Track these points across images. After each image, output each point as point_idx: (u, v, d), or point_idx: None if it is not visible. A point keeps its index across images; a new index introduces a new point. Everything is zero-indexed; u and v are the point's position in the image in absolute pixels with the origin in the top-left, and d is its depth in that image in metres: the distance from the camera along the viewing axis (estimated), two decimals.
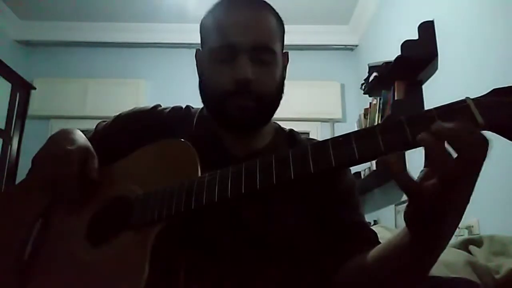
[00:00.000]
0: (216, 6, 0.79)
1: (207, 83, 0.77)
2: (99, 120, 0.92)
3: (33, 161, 0.78)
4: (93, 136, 0.84)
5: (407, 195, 0.48)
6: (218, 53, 0.73)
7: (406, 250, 0.56)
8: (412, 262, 0.57)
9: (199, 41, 0.85)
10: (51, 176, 0.71)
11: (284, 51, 0.81)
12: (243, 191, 0.57)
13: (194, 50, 0.84)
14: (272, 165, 0.56)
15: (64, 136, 0.77)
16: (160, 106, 0.88)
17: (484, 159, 0.44)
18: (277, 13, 0.79)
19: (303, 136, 0.88)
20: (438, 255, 0.56)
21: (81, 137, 0.78)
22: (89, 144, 0.77)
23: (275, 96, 0.77)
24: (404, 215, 0.52)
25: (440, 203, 0.47)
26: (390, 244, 0.62)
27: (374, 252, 0.66)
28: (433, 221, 0.49)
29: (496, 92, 0.48)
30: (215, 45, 0.74)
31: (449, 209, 0.48)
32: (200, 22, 0.82)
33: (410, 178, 0.47)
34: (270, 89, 0.75)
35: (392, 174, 0.47)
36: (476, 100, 0.47)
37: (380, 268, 0.64)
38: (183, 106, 0.88)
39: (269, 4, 0.78)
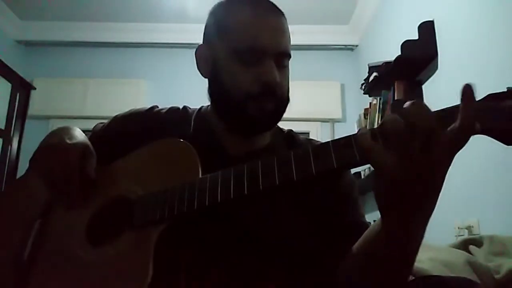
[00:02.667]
0: (236, 6, 0.78)
1: (225, 83, 0.76)
2: (99, 120, 0.92)
3: (32, 158, 0.78)
4: (91, 137, 0.84)
5: (374, 166, 0.49)
6: (243, 54, 0.74)
7: (381, 232, 0.57)
8: (388, 245, 0.57)
9: (199, 41, 0.84)
10: (50, 172, 0.71)
11: None
12: (245, 192, 0.57)
13: (194, 50, 0.84)
14: (275, 166, 0.56)
15: (63, 133, 0.77)
16: (157, 107, 0.88)
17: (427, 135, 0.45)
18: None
19: (302, 136, 0.88)
20: (410, 244, 0.55)
21: (80, 134, 0.78)
22: (88, 141, 0.77)
23: (288, 99, 0.79)
24: (374, 192, 0.53)
25: (401, 176, 0.47)
26: (369, 232, 0.63)
27: (357, 243, 0.67)
28: (397, 199, 0.50)
29: (490, 97, 0.49)
30: (241, 46, 0.74)
31: (414, 191, 0.48)
32: (210, 17, 0.81)
33: (376, 149, 0.48)
34: (287, 93, 0.78)
35: (361, 147, 0.49)
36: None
37: (364, 257, 0.64)
38: (180, 107, 0.88)
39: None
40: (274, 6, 0.79)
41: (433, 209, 0.51)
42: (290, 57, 0.78)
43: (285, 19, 0.79)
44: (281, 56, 0.76)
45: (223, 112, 0.79)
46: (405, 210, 0.51)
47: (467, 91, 0.45)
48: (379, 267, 0.61)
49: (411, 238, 0.55)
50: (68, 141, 0.73)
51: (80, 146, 0.74)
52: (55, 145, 0.74)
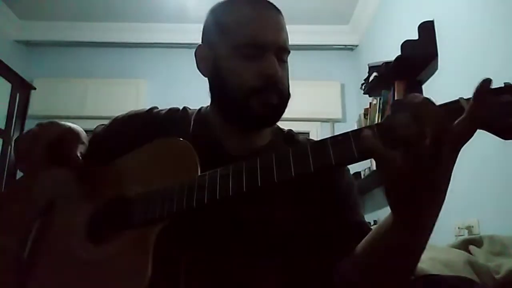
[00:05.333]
0: (236, 4, 0.79)
1: (228, 79, 0.76)
2: (99, 120, 0.93)
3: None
4: (91, 138, 0.84)
5: (377, 165, 0.49)
6: (245, 50, 0.74)
7: (391, 230, 0.57)
8: (395, 241, 0.58)
9: (199, 41, 0.84)
10: (17, 151, 0.76)
11: None
12: (244, 189, 0.57)
13: (194, 50, 0.84)
14: (273, 163, 0.56)
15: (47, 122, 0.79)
16: (157, 108, 0.88)
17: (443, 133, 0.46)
18: None
19: (301, 136, 0.88)
20: (423, 237, 0.56)
21: (68, 124, 0.80)
22: (78, 130, 0.79)
23: (289, 94, 0.80)
24: (384, 192, 0.53)
25: (410, 177, 0.48)
26: (376, 231, 0.63)
27: (362, 243, 0.67)
28: (407, 196, 0.51)
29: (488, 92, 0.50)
30: (241, 42, 0.74)
31: (421, 186, 0.49)
32: (209, 18, 0.82)
33: (381, 151, 0.48)
34: (288, 87, 0.79)
35: (362, 141, 0.49)
36: (469, 100, 0.48)
37: (370, 255, 0.65)
38: (180, 107, 0.88)
39: None
40: (271, 4, 0.80)
41: (442, 203, 0.52)
42: (289, 52, 0.79)
43: (283, 16, 0.81)
44: (281, 51, 0.77)
45: (225, 109, 0.79)
46: (416, 204, 0.52)
47: (485, 85, 0.46)
48: (385, 264, 0.62)
49: (421, 233, 0.56)
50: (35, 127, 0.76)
51: (54, 125, 0.77)
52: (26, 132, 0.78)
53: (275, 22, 0.78)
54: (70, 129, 0.77)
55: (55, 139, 0.74)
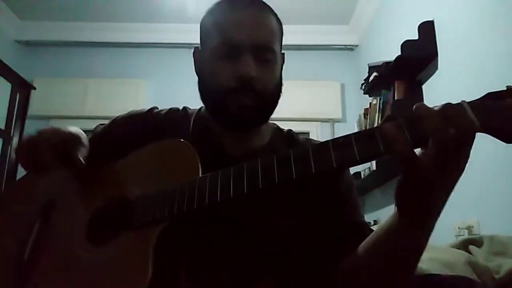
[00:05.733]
0: (217, 5, 0.79)
1: (207, 81, 0.77)
2: (99, 120, 0.93)
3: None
4: (91, 138, 0.84)
5: (403, 163, 0.50)
6: (220, 50, 0.74)
7: (397, 230, 0.58)
8: (402, 241, 0.59)
9: (199, 41, 0.85)
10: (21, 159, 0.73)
11: (281, 52, 0.82)
12: (245, 191, 0.57)
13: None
14: (274, 165, 0.56)
15: (47, 128, 0.78)
16: (157, 108, 0.88)
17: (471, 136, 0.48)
18: (276, 15, 0.80)
19: (301, 136, 0.88)
20: (426, 236, 0.57)
21: (68, 128, 0.78)
22: (79, 133, 0.77)
23: (275, 94, 0.78)
24: (396, 190, 0.54)
25: (431, 173, 0.49)
26: (380, 229, 0.64)
27: (365, 242, 0.67)
28: (421, 194, 0.52)
29: (490, 95, 0.50)
30: (217, 43, 0.74)
31: (438, 182, 0.50)
32: (200, 21, 0.82)
33: (408, 146, 0.49)
34: (271, 87, 0.76)
35: (391, 143, 0.49)
36: (471, 103, 0.49)
37: (373, 256, 0.65)
38: (180, 108, 0.88)
39: (269, 6, 0.80)
40: (257, 1, 0.78)
41: (446, 201, 0.53)
42: (272, 51, 0.76)
43: (268, 13, 0.78)
44: (260, 50, 0.74)
45: (209, 109, 0.80)
46: (427, 203, 0.53)
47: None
48: (389, 264, 0.62)
49: (426, 231, 0.57)
50: (35, 133, 0.75)
51: (53, 131, 0.74)
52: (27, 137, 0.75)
53: (253, 20, 0.75)
54: (70, 134, 0.75)
55: (58, 143, 0.73)
